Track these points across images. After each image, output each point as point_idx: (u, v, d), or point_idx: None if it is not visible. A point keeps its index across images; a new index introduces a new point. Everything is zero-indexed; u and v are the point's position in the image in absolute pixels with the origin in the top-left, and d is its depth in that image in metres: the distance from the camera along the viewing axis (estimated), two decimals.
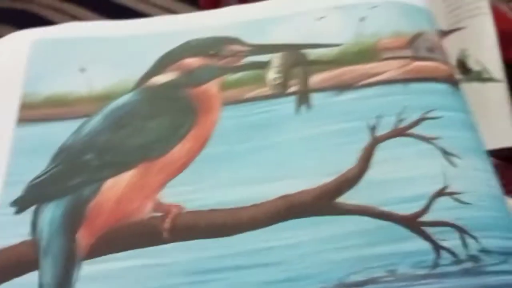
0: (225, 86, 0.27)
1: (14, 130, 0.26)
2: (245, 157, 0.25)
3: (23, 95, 0.27)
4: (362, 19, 0.29)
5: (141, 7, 0.46)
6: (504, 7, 0.37)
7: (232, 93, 0.27)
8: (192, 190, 0.24)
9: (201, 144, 0.25)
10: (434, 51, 0.28)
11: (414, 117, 0.25)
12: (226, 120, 0.26)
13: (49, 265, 0.22)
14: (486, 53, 0.33)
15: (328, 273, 0.22)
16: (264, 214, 0.23)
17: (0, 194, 0.24)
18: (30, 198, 0.24)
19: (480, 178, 0.24)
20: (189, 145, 0.25)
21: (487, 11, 0.34)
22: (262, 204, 0.23)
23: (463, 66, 0.33)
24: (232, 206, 0.23)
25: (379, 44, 0.28)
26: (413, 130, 0.25)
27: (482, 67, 0.33)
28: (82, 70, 0.28)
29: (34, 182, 0.24)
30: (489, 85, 0.33)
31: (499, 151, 0.27)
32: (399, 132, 0.25)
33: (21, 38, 0.29)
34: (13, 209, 0.24)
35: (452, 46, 0.30)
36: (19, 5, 0.47)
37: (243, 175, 0.24)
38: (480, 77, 0.33)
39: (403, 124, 0.25)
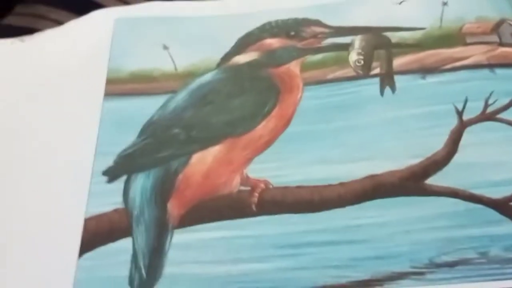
0: (306, 67, 0.27)
1: (101, 103, 0.27)
2: (329, 137, 0.25)
3: (109, 70, 0.28)
4: (445, 3, 0.28)
5: None
6: None
7: (314, 73, 0.27)
8: (278, 167, 0.24)
9: (285, 123, 0.25)
10: None
11: (502, 102, 0.25)
12: (309, 100, 0.26)
13: (142, 233, 0.23)
14: None
15: (418, 253, 0.22)
16: (351, 193, 0.23)
17: (92, 164, 0.25)
18: (121, 169, 0.24)
19: None
20: (273, 123, 0.25)
21: None
22: (349, 182, 0.24)
23: None
24: (318, 184, 0.24)
25: (463, 29, 0.28)
26: (502, 115, 0.25)
27: None
28: (165, 47, 0.28)
29: (124, 154, 0.25)
30: None
31: None
32: (487, 117, 0.25)
33: (104, 16, 0.30)
34: (105, 178, 0.24)
35: None
36: None
37: (327, 155, 0.24)
38: None
39: (491, 109, 0.25)
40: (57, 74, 0.28)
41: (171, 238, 0.23)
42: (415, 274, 0.21)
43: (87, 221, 0.23)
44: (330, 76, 0.27)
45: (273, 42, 0.28)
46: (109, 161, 0.25)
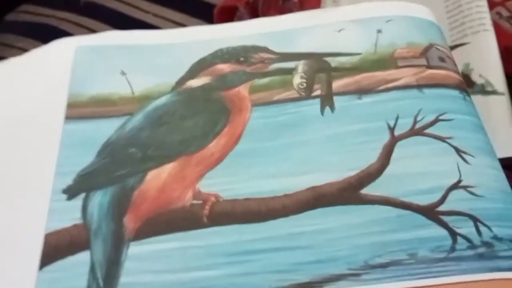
0: (254, 89, 0.29)
1: (62, 126, 0.28)
2: (275, 153, 0.27)
3: (69, 96, 0.30)
4: (379, 31, 0.31)
5: (157, 21, 0.49)
6: (505, 24, 0.39)
7: (261, 95, 0.29)
8: (228, 182, 0.26)
9: (235, 141, 0.27)
10: (445, 61, 0.30)
11: (429, 118, 0.28)
12: (257, 120, 0.28)
13: (99, 246, 0.24)
14: (489, 67, 0.35)
15: (354, 256, 0.24)
16: (294, 203, 0.25)
17: (52, 183, 0.26)
18: (79, 187, 0.26)
19: (491, 174, 0.26)
20: (224, 141, 0.27)
21: (490, 27, 0.37)
22: (292, 194, 0.26)
23: (467, 79, 0.35)
24: (265, 196, 0.26)
25: (395, 54, 0.30)
26: (429, 130, 0.27)
27: (485, 81, 0.35)
28: (123, 73, 0.30)
29: (83, 173, 0.26)
30: (492, 97, 0.35)
31: (501, 160, 0.29)
32: (416, 132, 0.27)
33: (66, 44, 0.32)
34: (64, 196, 0.26)
35: (456, 61, 0.33)
36: (39, 19, 0.50)
37: (273, 169, 0.27)
38: (484, 90, 0.35)
39: (419, 125, 0.28)
40: (19, 100, 0.30)
41: (127, 250, 0.24)
42: (352, 275, 0.23)
43: (47, 236, 0.25)
44: (276, 97, 0.29)
45: (224, 67, 0.30)
46: (68, 180, 0.26)
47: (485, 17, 0.37)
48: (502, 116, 0.34)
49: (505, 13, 0.39)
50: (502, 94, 0.35)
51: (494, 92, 0.35)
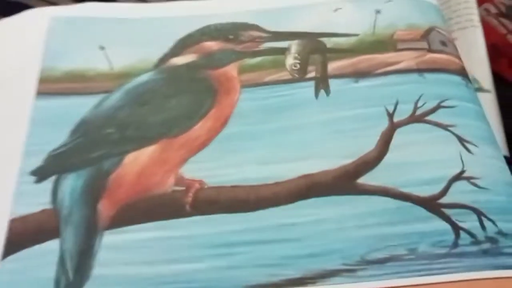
0: (244, 70, 0.27)
1: (33, 102, 0.26)
2: (264, 137, 0.25)
3: (41, 70, 0.27)
4: (378, 12, 0.29)
5: None
6: (493, 21, 0.38)
7: (251, 76, 0.27)
8: (214, 167, 0.24)
9: (221, 124, 0.25)
10: (447, 45, 0.29)
11: (431, 105, 0.26)
12: (246, 102, 0.26)
13: (70, 234, 0.22)
14: (476, 64, 0.34)
15: (350, 250, 0.22)
16: (286, 192, 0.24)
17: (20, 163, 0.24)
18: (50, 168, 0.24)
19: (494, 165, 0.25)
20: (210, 123, 0.25)
21: (477, 24, 0.35)
22: (284, 182, 0.24)
23: None
24: (254, 183, 0.24)
25: (395, 36, 0.28)
26: (430, 117, 0.26)
27: (472, 78, 0.34)
28: (102, 48, 0.28)
29: (54, 153, 0.24)
30: (479, 95, 0.34)
31: None
32: (416, 119, 0.26)
33: (39, 15, 0.29)
34: (33, 178, 0.24)
35: None
36: None
37: (263, 155, 0.25)
38: None
39: (420, 111, 0.26)
40: None
41: (100, 239, 0.22)
42: (347, 271, 0.22)
43: (12, 221, 0.22)
44: (267, 78, 0.27)
45: (212, 45, 0.28)
46: (38, 161, 0.24)
47: (473, 13, 0.36)
48: (489, 113, 0.33)
49: (493, 10, 0.38)
50: (488, 91, 0.33)
51: (480, 90, 0.33)
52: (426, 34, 0.29)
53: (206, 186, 0.24)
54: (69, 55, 0.28)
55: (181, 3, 0.31)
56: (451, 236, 0.22)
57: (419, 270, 0.22)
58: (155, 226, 0.22)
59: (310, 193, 0.23)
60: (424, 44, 0.28)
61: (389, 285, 0.21)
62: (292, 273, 0.21)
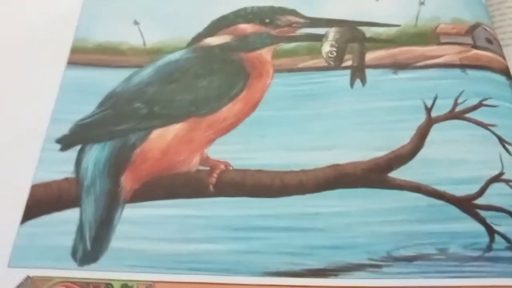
0: (279, 54, 0.26)
1: (64, 71, 0.26)
2: (295, 123, 0.24)
3: (75, 39, 0.27)
4: (422, 3, 0.28)
5: None
6: None
7: (285, 61, 0.27)
8: (240, 149, 0.24)
9: (251, 107, 0.25)
10: (492, 43, 0.27)
11: (472, 102, 0.25)
12: (278, 87, 0.26)
13: (91, 204, 0.22)
14: None
15: (376, 245, 0.21)
16: (312, 180, 0.23)
17: (46, 130, 0.24)
18: (76, 138, 0.23)
19: None
20: (239, 106, 0.25)
21: None
22: (311, 170, 0.23)
23: None
24: (280, 169, 0.23)
25: (438, 29, 0.27)
26: (470, 115, 0.24)
27: None
28: (136, 22, 0.28)
29: (81, 123, 0.24)
30: None
31: None
32: (455, 115, 0.24)
33: None
34: (58, 146, 0.23)
35: None
36: None
37: (292, 141, 0.24)
38: None
39: (460, 108, 0.25)
40: (21, 37, 0.27)
41: (121, 212, 0.22)
42: (372, 266, 0.21)
43: (34, 187, 0.22)
44: (301, 65, 0.27)
45: (247, 27, 0.27)
46: (64, 129, 0.24)
47: None
48: None
49: None
50: None
51: None
52: (472, 30, 0.28)
53: (231, 168, 0.23)
54: (103, 27, 0.27)
55: None
56: (485, 239, 0.21)
57: (449, 272, 0.20)
58: (176, 204, 0.22)
59: (337, 184, 0.23)
60: (468, 40, 0.27)
61: (416, 285, 0.20)
62: (314, 263, 0.21)
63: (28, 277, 0.20)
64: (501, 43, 0.34)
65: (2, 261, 0.20)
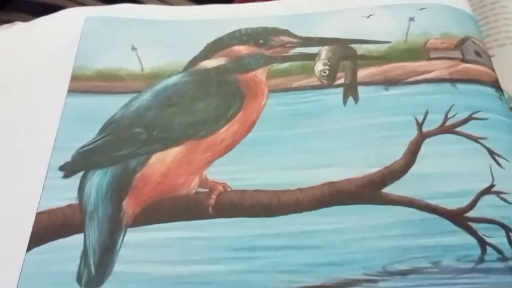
0: (273, 74, 0.27)
1: (64, 99, 0.26)
2: (291, 143, 0.25)
3: (74, 68, 0.28)
4: (411, 19, 0.29)
5: None
6: None
7: (279, 81, 0.27)
8: (238, 170, 0.24)
9: (248, 128, 0.25)
10: (481, 56, 0.28)
11: (462, 116, 0.25)
12: (273, 107, 0.26)
13: (94, 229, 0.22)
14: None
15: (371, 260, 0.22)
16: (308, 198, 0.23)
17: (49, 158, 0.24)
18: (78, 164, 0.24)
19: None
20: (236, 127, 0.25)
21: None
22: (307, 188, 0.24)
23: None
24: (277, 188, 0.24)
25: (428, 44, 0.28)
26: (461, 129, 0.25)
27: (509, 96, 0.33)
28: (133, 48, 0.28)
29: (82, 150, 0.25)
30: None
31: None
32: (446, 129, 0.25)
33: (74, 14, 0.30)
34: (61, 173, 0.24)
35: None
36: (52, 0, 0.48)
37: (288, 160, 0.25)
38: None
39: (450, 122, 0.25)
40: (22, 68, 0.28)
41: (123, 236, 0.22)
42: (368, 281, 0.21)
43: (39, 214, 0.23)
44: (295, 84, 0.27)
45: (241, 49, 0.28)
46: (66, 157, 0.25)
47: None
48: None
49: None
50: None
51: None
52: (461, 44, 0.28)
53: (229, 189, 0.24)
54: (101, 55, 0.28)
55: (212, 6, 0.31)
56: (477, 251, 0.22)
57: (442, 284, 0.21)
58: (177, 226, 0.23)
59: (333, 201, 0.23)
60: (457, 54, 0.28)
61: None
62: (312, 280, 0.21)
63: None
64: (495, 42, 0.34)
65: None
